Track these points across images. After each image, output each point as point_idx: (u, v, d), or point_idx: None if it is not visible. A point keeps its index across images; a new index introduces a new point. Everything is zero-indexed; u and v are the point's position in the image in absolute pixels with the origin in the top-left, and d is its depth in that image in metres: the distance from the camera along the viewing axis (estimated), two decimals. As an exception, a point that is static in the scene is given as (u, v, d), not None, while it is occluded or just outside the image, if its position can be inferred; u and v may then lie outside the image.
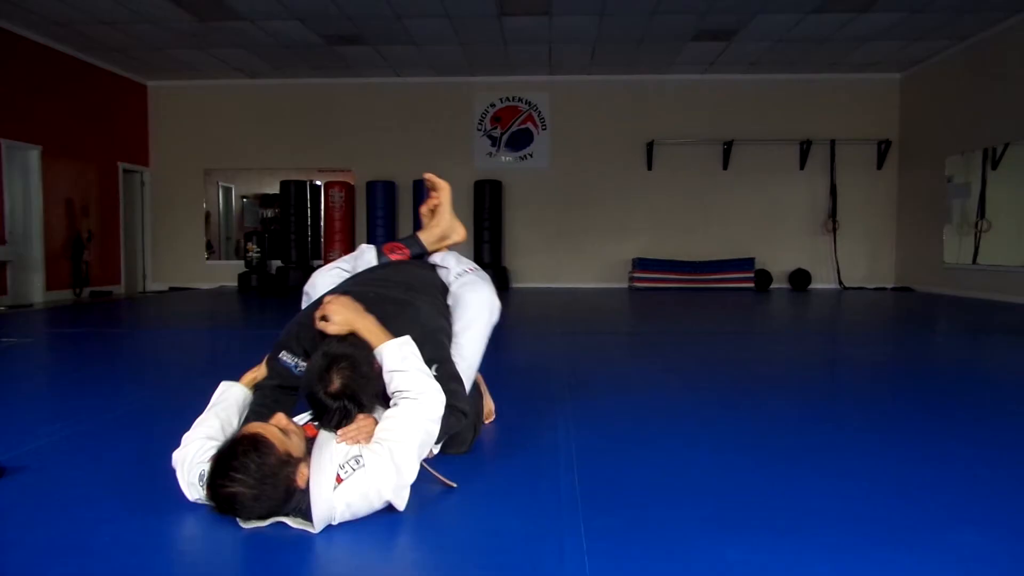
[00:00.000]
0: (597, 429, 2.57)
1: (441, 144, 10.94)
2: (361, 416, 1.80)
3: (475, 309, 2.28)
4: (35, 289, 8.81)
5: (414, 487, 1.78)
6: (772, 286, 10.57)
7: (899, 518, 1.72)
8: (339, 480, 1.59)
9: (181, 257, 11.31)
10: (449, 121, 10.99)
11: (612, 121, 10.85)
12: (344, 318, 1.87)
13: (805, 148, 10.65)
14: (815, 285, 10.65)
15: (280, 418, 1.70)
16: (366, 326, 1.89)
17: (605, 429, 2.57)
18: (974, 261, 8.72)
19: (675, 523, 1.68)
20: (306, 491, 1.60)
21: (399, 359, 1.85)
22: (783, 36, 8.81)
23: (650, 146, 10.74)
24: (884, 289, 10.49)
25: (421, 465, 1.80)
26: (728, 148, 10.71)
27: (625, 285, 10.75)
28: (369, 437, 1.73)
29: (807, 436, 2.51)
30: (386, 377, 1.85)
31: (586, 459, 2.17)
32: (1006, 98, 8.24)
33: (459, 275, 2.41)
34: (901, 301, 8.66)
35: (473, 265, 2.51)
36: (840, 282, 10.70)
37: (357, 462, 1.62)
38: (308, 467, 1.62)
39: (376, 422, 1.80)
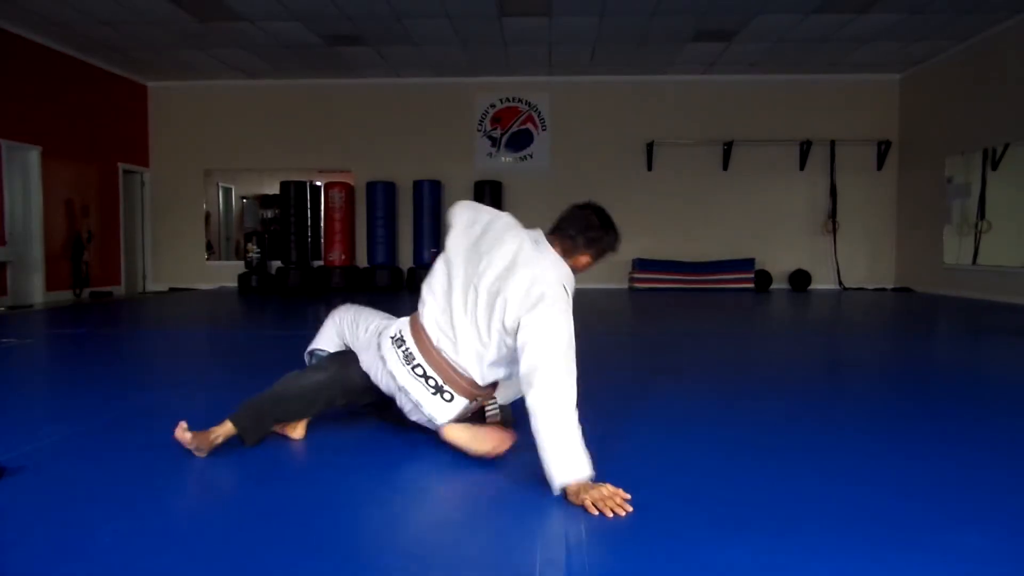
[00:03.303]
0: (597, 429, 2.56)
1: (441, 145, 10.94)
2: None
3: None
4: (35, 289, 8.80)
5: (412, 481, 1.78)
6: (772, 287, 10.57)
7: (899, 518, 1.72)
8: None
9: (181, 258, 11.31)
10: (449, 122, 10.99)
11: (612, 121, 10.85)
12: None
13: (805, 149, 10.65)
14: (815, 286, 10.65)
15: None
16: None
17: (605, 429, 2.57)
18: (974, 262, 8.71)
19: (675, 523, 1.68)
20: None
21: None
22: (783, 37, 8.81)
23: (650, 146, 10.74)
24: (884, 290, 10.49)
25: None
26: (728, 149, 10.70)
27: (625, 286, 10.75)
28: None
29: (807, 436, 2.51)
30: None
31: (586, 459, 2.16)
32: (1006, 98, 8.23)
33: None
34: (901, 302, 8.66)
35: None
36: (840, 283, 10.70)
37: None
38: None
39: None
